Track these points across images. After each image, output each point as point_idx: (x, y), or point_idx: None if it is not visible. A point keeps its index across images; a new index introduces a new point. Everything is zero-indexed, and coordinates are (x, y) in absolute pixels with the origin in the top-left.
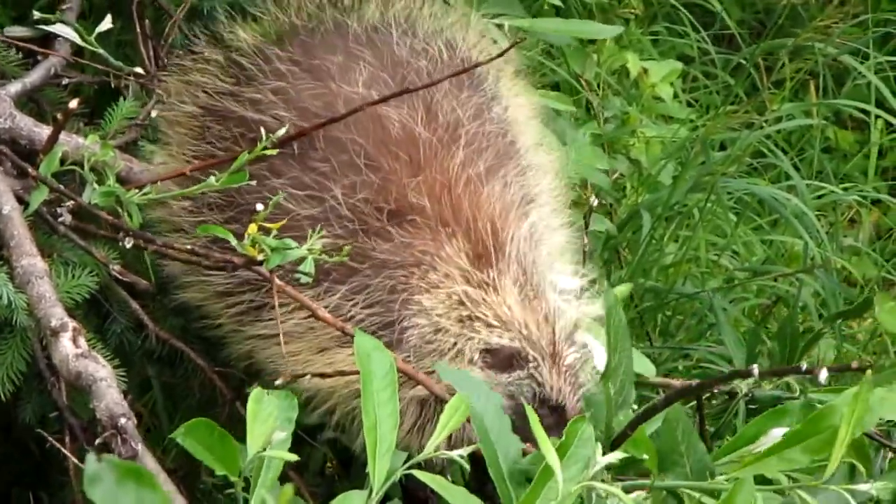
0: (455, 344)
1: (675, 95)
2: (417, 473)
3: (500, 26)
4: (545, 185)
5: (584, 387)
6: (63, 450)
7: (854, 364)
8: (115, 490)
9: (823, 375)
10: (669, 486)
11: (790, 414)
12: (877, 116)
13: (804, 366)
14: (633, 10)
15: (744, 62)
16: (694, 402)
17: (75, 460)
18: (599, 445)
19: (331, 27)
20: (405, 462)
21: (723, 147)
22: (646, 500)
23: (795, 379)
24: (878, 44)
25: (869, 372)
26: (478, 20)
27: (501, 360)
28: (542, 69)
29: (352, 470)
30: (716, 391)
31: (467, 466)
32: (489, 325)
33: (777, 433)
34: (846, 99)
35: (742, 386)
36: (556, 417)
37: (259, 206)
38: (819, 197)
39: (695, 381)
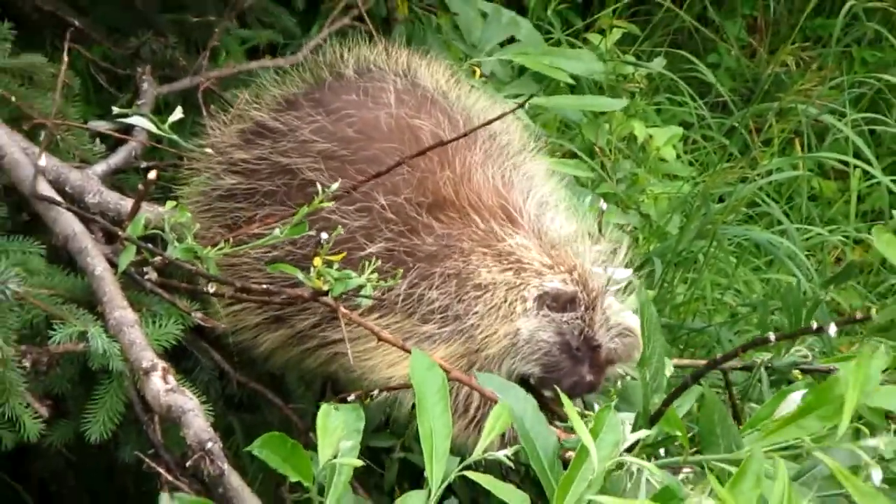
0: (513, 296)
1: (678, 156)
2: (470, 474)
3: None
4: (548, 185)
5: (614, 331)
6: (160, 471)
7: (858, 314)
8: None
9: (833, 329)
10: (699, 460)
11: (796, 389)
12: (855, 166)
13: (815, 324)
14: (637, 84)
15: (736, 125)
16: (722, 380)
17: (175, 483)
18: (628, 423)
19: (330, 81)
20: (459, 465)
21: (721, 199)
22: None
23: (807, 346)
24: (853, 103)
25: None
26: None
27: (561, 303)
28: (559, 140)
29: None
30: (740, 368)
31: (511, 465)
32: (539, 273)
33: (795, 397)
34: (827, 152)
35: (761, 356)
36: (591, 354)
37: (324, 236)
38: (808, 239)
39: (719, 356)
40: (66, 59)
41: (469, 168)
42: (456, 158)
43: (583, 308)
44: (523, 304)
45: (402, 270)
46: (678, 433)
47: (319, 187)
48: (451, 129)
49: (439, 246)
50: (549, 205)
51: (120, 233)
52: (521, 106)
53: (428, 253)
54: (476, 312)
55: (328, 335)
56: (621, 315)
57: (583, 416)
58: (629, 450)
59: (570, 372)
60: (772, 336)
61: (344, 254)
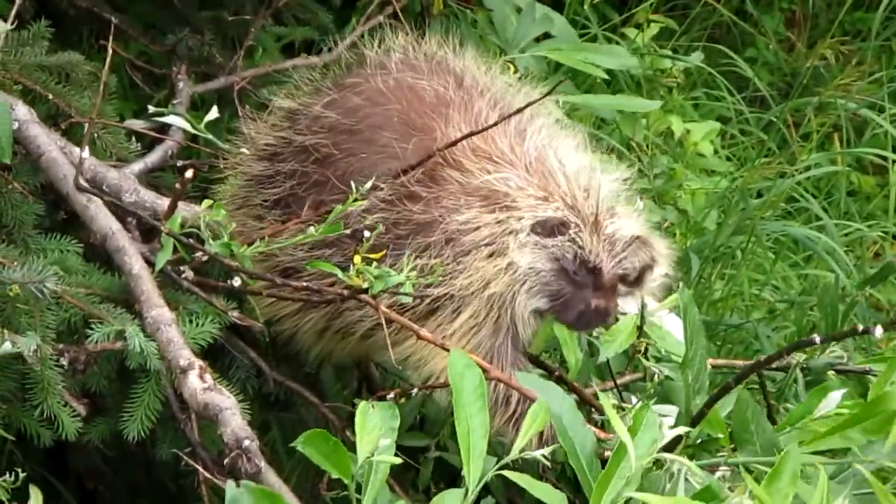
0: (504, 232)
1: (716, 151)
2: (507, 473)
3: (555, 101)
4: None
5: (622, 254)
6: (199, 468)
7: None
8: None
9: (879, 332)
10: (740, 461)
11: (832, 387)
12: (894, 161)
13: (860, 327)
14: (675, 79)
15: (774, 119)
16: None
17: (213, 480)
18: (666, 421)
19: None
20: (496, 464)
21: (759, 195)
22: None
23: (843, 347)
24: (892, 97)
25: None
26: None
27: (548, 229)
28: (596, 135)
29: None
30: (775, 369)
31: (549, 465)
32: (532, 207)
33: (836, 396)
34: (866, 147)
35: (796, 358)
36: (592, 279)
37: (366, 234)
38: (846, 234)
39: (762, 357)
40: (108, 58)
41: (469, 120)
42: (459, 115)
43: (573, 231)
44: (516, 238)
45: (441, 265)
46: (720, 435)
47: (353, 185)
48: (456, 88)
49: (430, 212)
50: (551, 144)
51: (161, 227)
52: (549, 94)
53: (421, 221)
54: (473, 258)
55: (353, 314)
56: (626, 228)
57: (620, 409)
58: (669, 448)
59: (574, 300)
60: (816, 338)
61: (384, 252)
